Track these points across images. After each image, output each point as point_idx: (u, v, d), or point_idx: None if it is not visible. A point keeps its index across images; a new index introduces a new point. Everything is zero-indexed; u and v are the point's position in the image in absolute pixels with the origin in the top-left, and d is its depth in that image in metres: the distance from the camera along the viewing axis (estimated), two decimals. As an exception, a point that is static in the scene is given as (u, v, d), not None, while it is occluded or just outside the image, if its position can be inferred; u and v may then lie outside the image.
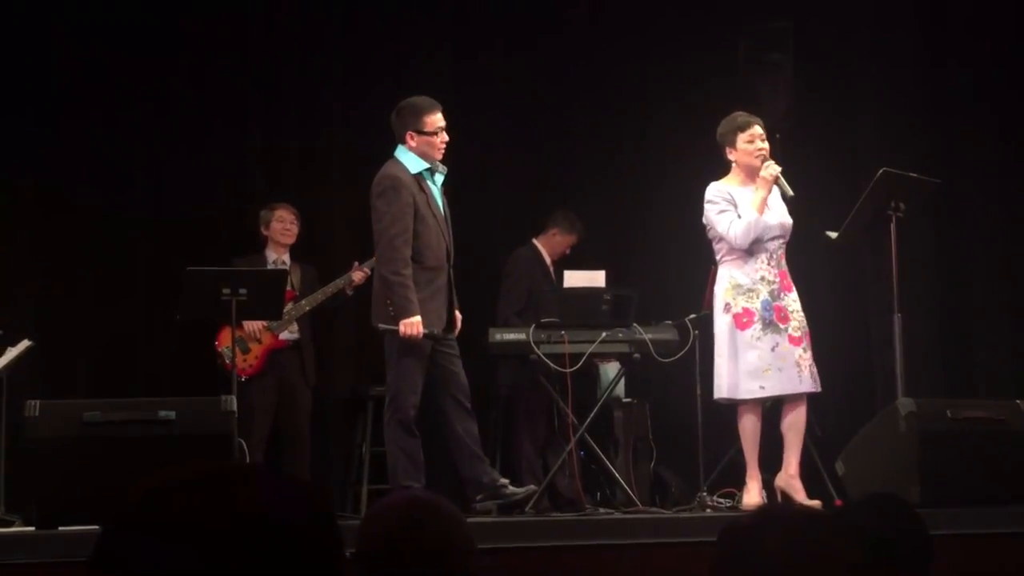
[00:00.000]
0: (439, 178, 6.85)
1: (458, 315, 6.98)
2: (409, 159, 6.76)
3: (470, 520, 5.28)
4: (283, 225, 8.26)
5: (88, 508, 5.01)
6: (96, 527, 3.73)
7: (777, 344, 6.80)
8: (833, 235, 7.18)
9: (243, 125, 8.94)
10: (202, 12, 8.71)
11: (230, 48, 8.81)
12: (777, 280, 6.89)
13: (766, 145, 6.94)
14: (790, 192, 6.87)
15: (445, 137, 6.79)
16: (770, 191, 6.88)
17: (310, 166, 9.09)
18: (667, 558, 5.53)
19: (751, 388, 6.81)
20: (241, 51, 8.88)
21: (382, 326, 6.70)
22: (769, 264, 6.90)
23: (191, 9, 8.71)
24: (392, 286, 6.62)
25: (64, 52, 8.54)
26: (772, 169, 6.85)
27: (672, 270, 9.19)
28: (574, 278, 8.19)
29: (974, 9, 9.16)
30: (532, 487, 7.12)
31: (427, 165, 6.76)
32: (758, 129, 6.96)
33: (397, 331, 6.60)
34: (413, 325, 6.59)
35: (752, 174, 6.95)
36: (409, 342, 6.60)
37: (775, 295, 6.86)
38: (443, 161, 6.84)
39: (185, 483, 1.48)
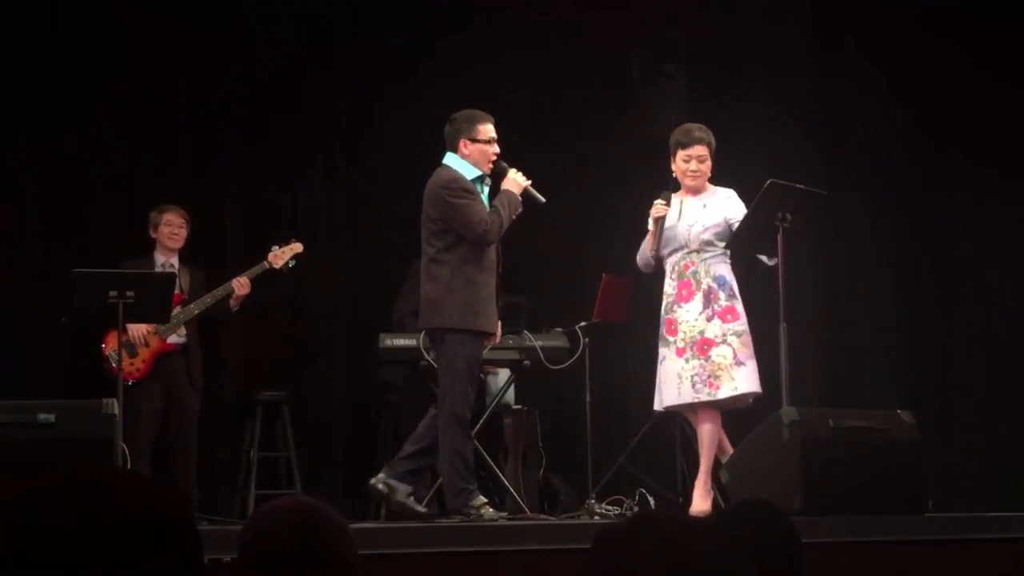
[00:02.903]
0: (486, 189, 6.85)
1: (498, 325, 6.97)
2: (462, 166, 6.75)
3: (355, 526, 5.25)
4: (170, 229, 8.14)
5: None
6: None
7: (665, 357, 6.85)
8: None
9: (135, 126, 8.85)
10: (93, 18, 8.60)
11: (122, 52, 8.70)
12: (674, 292, 6.88)
13: (699, 168, 6.94)
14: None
15: (496, 148, 6.80)
16: (659, 229, 6.89)
17: (201, 169, 9.00)
18: (553, 564, 5.54)
19: (657, 401, 6.94)
20: (135, 55, 8.77)
21: (441, 328, 6.65)
22: (670, 277, 6.93)
23: (81, 15, 8.60)
24: (501, 224, 6.62)
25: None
26: (658, 212, 6.90)
27: (563, 278, 9.22)
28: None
29: (863, 23, 9.30)
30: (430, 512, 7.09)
31: (479, 173, 6.77)
32: (696, 150, 6.94)
33: (457, 333, 6.58)
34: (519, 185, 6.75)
35: (688, 188, 6.99)
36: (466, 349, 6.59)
37: (668, 308, 6.88)
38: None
39: (47, 488, 1.46)
